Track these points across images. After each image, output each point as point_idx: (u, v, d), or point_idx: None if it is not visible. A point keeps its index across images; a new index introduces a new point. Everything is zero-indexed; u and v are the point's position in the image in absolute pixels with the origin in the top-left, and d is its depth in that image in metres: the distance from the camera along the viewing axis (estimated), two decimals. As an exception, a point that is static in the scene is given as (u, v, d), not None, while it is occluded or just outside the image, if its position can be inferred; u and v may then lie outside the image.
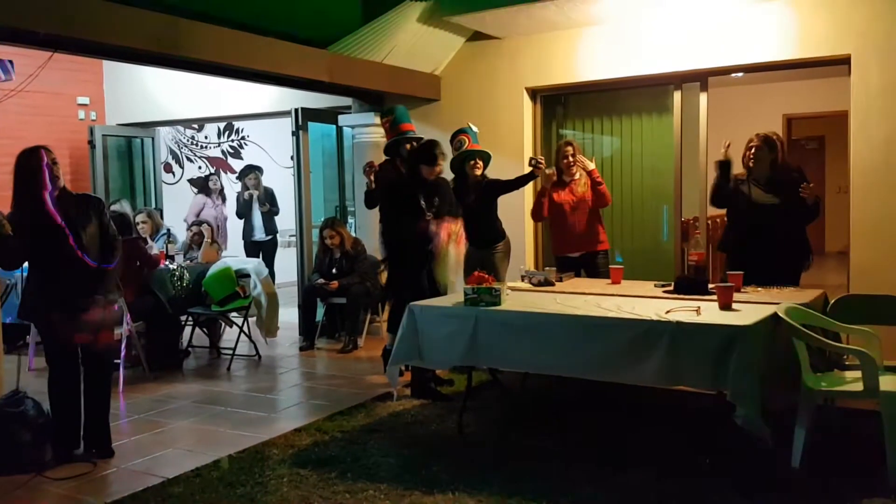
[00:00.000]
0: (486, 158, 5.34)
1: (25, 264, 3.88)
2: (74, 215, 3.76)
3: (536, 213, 5.47)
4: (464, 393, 4.41)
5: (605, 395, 4.50)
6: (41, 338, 3.90)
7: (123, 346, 5.35)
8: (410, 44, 5.96)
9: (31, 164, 3.66)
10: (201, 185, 9.09)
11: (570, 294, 4.25)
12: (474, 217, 5.12)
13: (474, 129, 5.36)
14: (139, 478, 3.58)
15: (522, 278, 4.72)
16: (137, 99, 8.26)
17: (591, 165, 5.30)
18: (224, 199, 9.00)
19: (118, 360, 5.22)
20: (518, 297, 4.21)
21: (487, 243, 5.26)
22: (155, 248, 6.40)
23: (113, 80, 8.39)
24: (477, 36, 6.24)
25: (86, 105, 8.25)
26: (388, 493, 3.33)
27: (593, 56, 5.89)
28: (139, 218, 6.70)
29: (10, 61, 5.73)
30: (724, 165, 4.65)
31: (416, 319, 4.04)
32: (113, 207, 6.72)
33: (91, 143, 8.04)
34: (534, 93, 6.31)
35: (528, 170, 5.31)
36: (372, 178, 5.06)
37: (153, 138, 8.76)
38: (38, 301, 3.79)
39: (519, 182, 5.28)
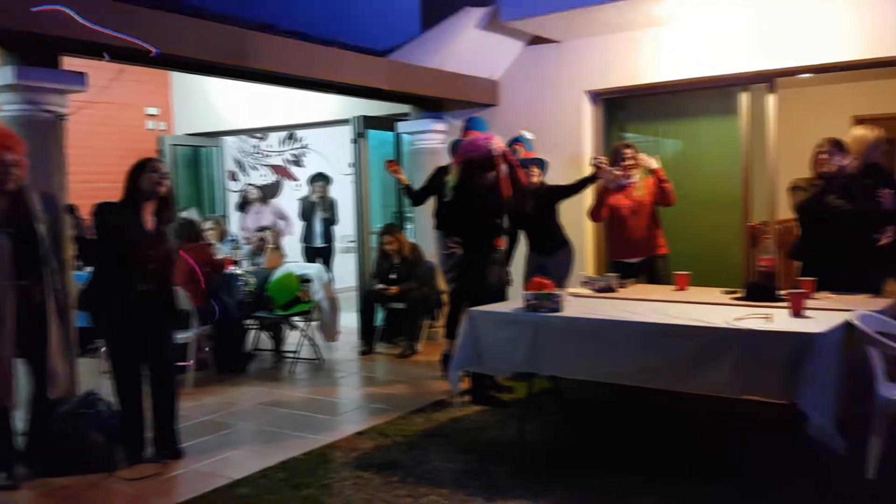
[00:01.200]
0: (541, 166, 5.30)
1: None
2: (161, 223, 3.90)
3: (596, 213, 5.39)
4: (524, 400, 4.38)
5: (667, 405, 4.41)
6: (105, 341, 4.02)
7: (192, 349, 5.49)
8: (468, 49, 5.99)
9: (144, 168, 3.83)
10: (266, 192, 9.26)
11: (633, 300, 4.18)
12: (534, 224, 5.10)
13: (528, 136, 5.34)
14: (207, 479, 3.67)
15: (583, 284, 4.67)
16: (203, 109, 8.51)
17: (655, 164, 5.20)
18: (268, 205, 9.11)
19: (186, 363, 5.36)
20: (579, 303, 4.16)
21: (549, 250, 5.22)
22: (221, 253, 6.57)
23: (181, 91, 8.66)
24: (536, 40, 6.22)
25: (154, 115, 8.53)
26: (449, 498, 3.33)
27: (657, 58, 5.80)
28: (207, 224, 6.89)
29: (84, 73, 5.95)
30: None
31: (475, 325, 4.03)
32: (182, 215, 6.92)
33: (160, 153, 8.32)
34: (594, 96, 6.25)
35: (588, 173, 5.26)
36: (400, 177, 5.27)
37: (219, 148, 8.99)
38: (106, 305, 3.91)
39: (580, 186, 5.24)
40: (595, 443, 4.04)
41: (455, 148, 5.23)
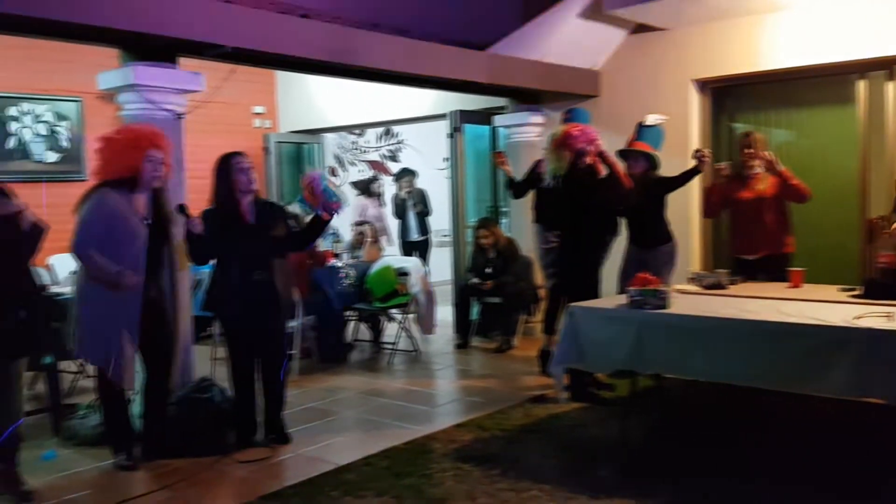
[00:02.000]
0: (648, 160, 5.15)
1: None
2: (265, 219, 4.04)
3: (706, 209, 5.22)
4: (627, 398, 4.29)
5: (775, 406, 4.22)
6: (223, 330, 4.20)
7: (297, 338, 5.67)
8: (569, 40, 5.90)
9: (225, 167, 3.96)
10: (364, 187, 9.47)
11: (744, 298, 4.02)
12: (638, 216, 4.97)
13: (651, 122, 5.14)
14: (314, 464, 3.78)
15: (690, 280, 4.53)
16: (305, 107, 8.76)
17: (780, 165, 4.91)
18: (383, 201, 9.32)
19: (292, 352, 5.54)
20: (686, 300, 4.03)
21: (651, 244, 5.08)
22: (322, 246, 6.74)
23: (285, 89, 8.94)
24: (639, 28, 6.07)
25: (260, 114, 8.84)
26: (552, 494, 3.31)
27: (769, 44, 5.55)
28: (308, 219, 7.07)
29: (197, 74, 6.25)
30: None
31: (576, 321, 3.97)
32: (286, 209, 7.14)
33: (266, 150, 8.64)
34: (702, 85, 6.04)
35: (692, 164, 5.09)
36: (506, 168, 5.20)
37: (320, 144, 9.25)
38: (222, 296, 4.09)
39: (683, 178, 5.06)
40: (700, 444, 3.92)
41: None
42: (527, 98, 6.57)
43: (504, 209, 7.33)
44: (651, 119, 5.13)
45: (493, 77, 5.60)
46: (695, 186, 5.55)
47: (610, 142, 5.08)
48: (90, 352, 3.70)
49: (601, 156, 4.64)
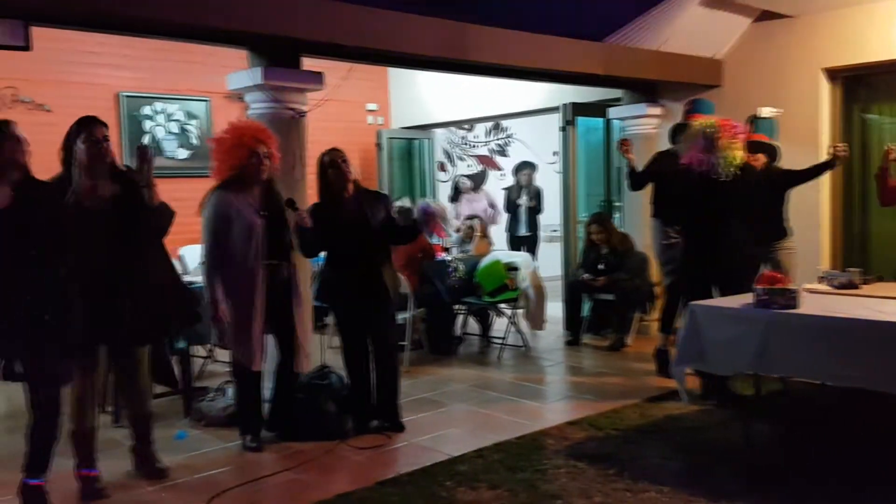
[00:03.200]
0: (768, 151, 4.90)
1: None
2: (369, 210, 4.12)
3: (882, 198, 4.89)
4: (750, 401, 4.12)
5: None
6: (336, 321, 4.33)
7: (409, 330, 5.78)
8: (690, 28, 5.70)
9: (322, 162, 4.10)
10: (473, 182, 9.50)
11: (878, 298, 3.77)
12: (757, 211, 4.74)
13: (766, 114, 4.92)
14: (427, 453, 3.84)
15: (820, 279, 4.29)
16: (416, 104, 8.89)
17: None
18: (480, 194, 9.27)
19: (403, 343, 5.64)
20: (816, 300, 3.82)
21: (769, 240, 4.83)
22: (433, 240, 6.83)
23: (396, 87, 9.11)
24: (765, 15, 5.79)
25: (374, 111, 9.05)
26: (671, 496, 3.22)
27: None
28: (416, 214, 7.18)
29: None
30: None
31: (697, 321, 3.84)
32: (397, 203, 7.29)
33: (378, 146, 8.84)
34: (833, 74, 5.70)
35: (824, 158, 4.81)
36: (630, 156, 4.97)
37: (430, 140, 9.37)
38: (332, 287, 4.21)
39: (813, 172, 4.79)
40: (827, 450, 3.71)
41: (676, 133, 5.01)
42: (643, 89, 6.39)
43: (617, 204, 7.17)
44: (766, 112, 4.93)
45: (609, 68, 5.49)
46: (824, 182, 5.24)
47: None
48: (222, 337, 3.89)
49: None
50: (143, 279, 3.37)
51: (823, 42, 5.60)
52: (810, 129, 5.65)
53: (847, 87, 5.75)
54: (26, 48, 3.72)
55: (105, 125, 3.37)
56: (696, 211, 4.58)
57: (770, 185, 4.75)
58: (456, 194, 9.12)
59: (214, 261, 3.80)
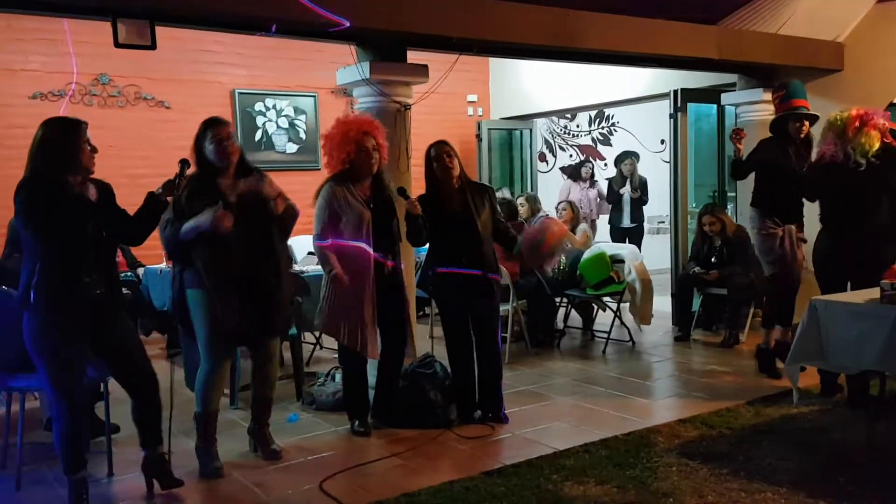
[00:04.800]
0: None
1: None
2: (474, 203, 4.13)
3: None
4: (875, 400, 3.88)
5: None
6: (440, 312, 4.36)
7: (510, 321, 5.76)
8: (809, 10, 5.41)
9: (429, 155, 4.12)
10: (571, 171, 9.39)
11: None
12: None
13: None
14: (531, 446, 3.82)
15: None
16: (516, 94, 8.83)
17: None
18: (593, 185, 9.12)
19: (504, 335, 5.63)
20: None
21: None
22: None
23: (496, 77, 9.08)
24: (892, -6, 5.42)
25: (474, 102, 9.06)
26: (788, 498, 3.08)
27: None
28: (518, 201, 7.14)
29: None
30: None
31: (818, 316, 3.64)
32: (498, 194, 7.27)
33: (478, 137, 8.84)
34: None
35: None
36: (740, 146, 4.78)
37: (530, 130, 9.29)
38: (438, 279, 4.22)
39: None
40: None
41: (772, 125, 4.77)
42: (759, 74, 6.09)
43: (731, 194, 6.88)
44: None
45: (724, 52, 5.27)
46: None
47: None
48: (333, 325, 4.00)
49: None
50: (280, 275, 3.56)
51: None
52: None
53: None
54: (152, 47, 3.93)
55: (228, 124, 3.54)
56: (833, 202, 4.41)
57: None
58: (575, 176, 9.00)
59: (325, 235, 3.90)
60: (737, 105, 6.40)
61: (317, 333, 5.69)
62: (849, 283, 4.27)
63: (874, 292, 3.53)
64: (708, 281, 6.11)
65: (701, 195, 7.09)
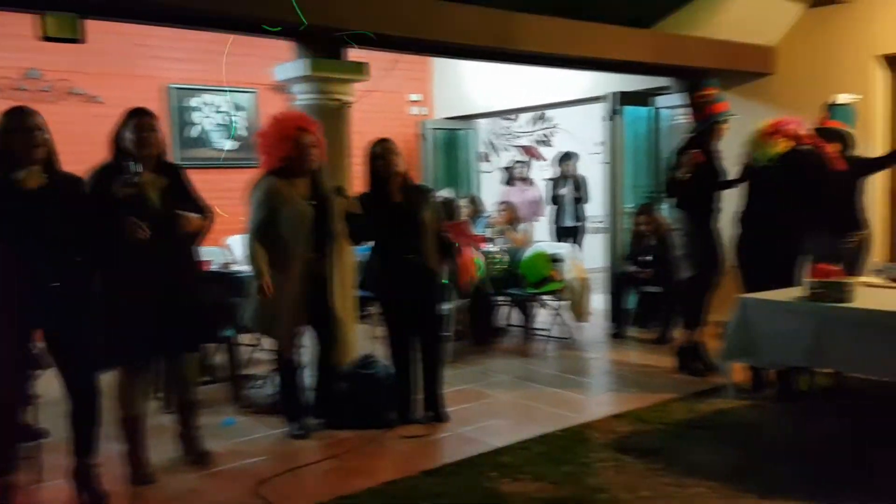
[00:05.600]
0: (841, 139, 4.74)
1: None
2: (412, 203, 4.11)
3: None
4: (804, 397, 4.03)
5: None
6: (381, 311, 4.32)
7: (452, 320, 5.77)
8: (743, 15, 5.56)
9: (373, 153, 4.09)
10: (506, 175, 9.45)
11: (941, 293, 3.64)
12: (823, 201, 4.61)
13: (841, 101, 4.77)
14: (471, 444, 3.84)
15: (875, 273, 4.16)
16: (460, 94, 8.86)
17: None
18: (532, 186, 9.19)
19: (446, 334, 5.64)
20: (871, 293, 3.71)
21: (840, 230, 4.70)
22: (475, 231, 6.80)
23: (440, 77, 9.08)
24: (820, 1, 5.62)
25: (417, 101, 9.05)
26: (719, 492, 3.17)
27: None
28: (461, 202, 7.18)
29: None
30: None
31: (748, 313, 3.76)
32: (439, 194, 7.28)
33: (422, 137, 8.84)
34: (890, 60, 5.50)
35: (878, 146, 4.65)
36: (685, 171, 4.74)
37: (473, 130, 9.33)
38: (377, 277, 4.21)
39: (887, 160, 4.64)
40: (883, 446, 3.60)
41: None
42: (692, 77, 6.24)
43: (664, 195, 7.03)
44: (842, 98, 4.76)
45: (659, 56, 5.39)
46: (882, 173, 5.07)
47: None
48: (263, 325, 3.95)
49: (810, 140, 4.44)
50: (191, 288, 3.46)
51: (879, 28, 5.41)
52: (865, 116, 5.45)
53: (906, 73, 5.57)
54: (81, 41, 3.80)
55: (153, 115, 3.42)
56: (750, 203, 4.60)
57: (837, 175, 4.56)
58: (509, 180, 9.05)
59: (259, 236, 3.82)
60: (671, 108, 6.56)
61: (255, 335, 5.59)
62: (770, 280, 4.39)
63: (801, 290, 3.67)
64: (642, 279, 6.25)
65: (638, 195, 7.24)
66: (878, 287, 3.93)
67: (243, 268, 5.21)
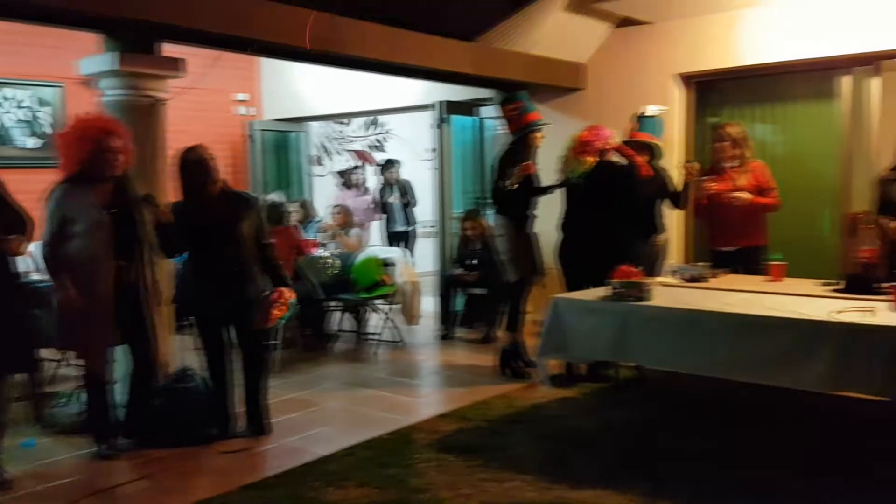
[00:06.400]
0: (649, 150, 5.12)
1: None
2: (230, 213, 3.95)
3: (697, 207, 5.23)
4: (608, 389, 4.33)
5: (757, 398, 4.27)
6: (195, 323, 4.15)
7: (279, 329, 5.63)
8: (557, 33, 5.89)
9: (186, 160, 3.91)
10: (343, 180, 9.41)
11: (725, 291, 4.05)
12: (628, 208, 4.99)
13: (650, 112, 5.16)
14: (295, 454, 3.78)
15: (672, 273, 4.56)
16: (291, 95, 8.68)
17: (746, 197, 4.88)
18: (366, 191, 9.23)
19: (274, 342, 5.50)
20: (667, 292, 4.06)
21: (647, 234, 5.09)
22: (306, 235, 6.71)
23: (269, 77, 8.86)
24: (625, 22, 6.07)
25: (244, 101, 8.76)
26: (533, 484, 3.33)
27: (754, 39, 5.57)
28: (292, 207, 7.04)
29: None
30: None
31: (559, 313, 3.99)
32: (268, 197, 7.10)
33: (250, 138, 8.57)
34: (686, 79, 6.06)
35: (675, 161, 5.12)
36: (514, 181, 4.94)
37: (305, 133, 9.19)
38: (191, 289, 4.05)
39: (678, 195, 5.12)
40: (683, 436, 3.94)
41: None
42: (511, 90, 6.52)
43: (490, 201, 7.30)
44: (651, 109, 5.16)
45: (479, 68, 5.58)
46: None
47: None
48: (68, 340, 3.67)
49: (619, 150, 4.85)
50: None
51: (676, 48, 5.94)
52: (666, 131, 5.96)
53: (699, 92, 6.14)
54: None
55: None
56: (568, 211, 5.00)
57: (644, 182, 4.90)
58: (344, 184, 8.97)
59: (54, 249, 3.59)
60: (493, 118, 6.82)
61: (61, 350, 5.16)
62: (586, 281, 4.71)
63: (606, 290, 3.94)
64: (469, 281, 6.46)
65: (467, 201, 7.46)
66: (674, 287, 4.30)
67: (46, 277, 4.81)
